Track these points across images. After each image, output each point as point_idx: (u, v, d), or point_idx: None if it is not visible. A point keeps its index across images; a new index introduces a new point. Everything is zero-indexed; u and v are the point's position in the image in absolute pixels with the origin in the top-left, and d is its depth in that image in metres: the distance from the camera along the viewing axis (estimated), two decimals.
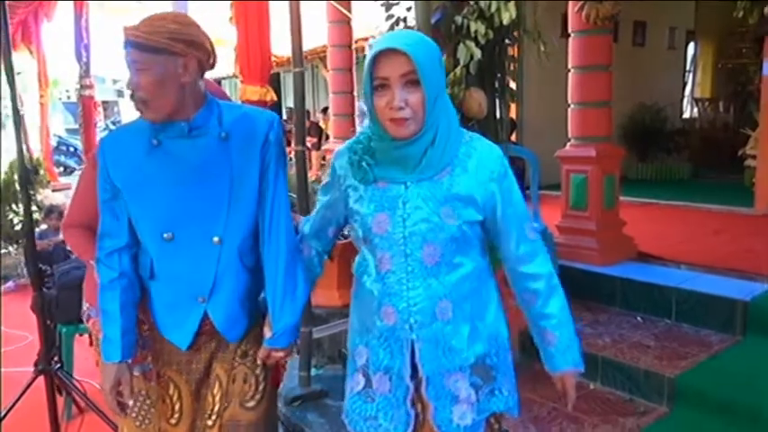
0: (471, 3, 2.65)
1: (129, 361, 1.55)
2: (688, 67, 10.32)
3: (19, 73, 10.78)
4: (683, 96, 10.18)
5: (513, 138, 6.98)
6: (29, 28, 8.46)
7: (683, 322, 3.19)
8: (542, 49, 2.85)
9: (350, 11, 5.91)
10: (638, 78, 8.28)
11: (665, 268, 3.59)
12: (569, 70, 3.95)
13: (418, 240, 1.36)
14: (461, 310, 1.40)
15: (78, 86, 6.20)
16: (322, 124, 11.19)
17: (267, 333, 1.54)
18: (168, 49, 1.38)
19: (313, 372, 3.13)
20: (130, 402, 1.58)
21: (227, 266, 1.51)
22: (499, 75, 2.96)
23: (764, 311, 2.94)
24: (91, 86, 6.09)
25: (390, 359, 1.42)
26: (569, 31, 3.84)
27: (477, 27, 2.61)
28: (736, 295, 3.04)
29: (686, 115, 10.25)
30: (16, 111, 2.46)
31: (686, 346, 2.94)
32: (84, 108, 6.19)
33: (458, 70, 2.68)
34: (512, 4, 2.48)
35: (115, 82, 16.55)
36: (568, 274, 3.56)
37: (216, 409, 1.58)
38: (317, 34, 6.75)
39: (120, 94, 17.59)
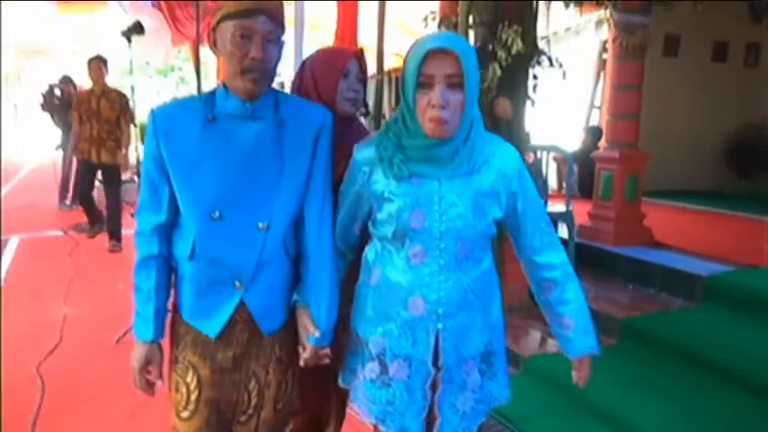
0: (499, 33, 3.72)
1: (160, 341, 1.54)
2: None
3: (204, 63, 13.12)
4: None
5: (602, 144, 7.68)
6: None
7: (663, 292, 4.00)
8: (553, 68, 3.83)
9: None
10: (749, 98, 8.52)
11: (663, 252, 4.38)
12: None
13: (453, 235, 1.42)
14: (480, 301, 1.50)
15: None
16: None
17: (315, 332, 1.50)
18: (284, 29, 1.44)
19: None
20: (159, 383, 1.56)
21: (272, 253, 1.48)
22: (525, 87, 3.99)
23: (718, 285, 3.71)
24: None
25: (412, 347, 1.47)
26: (608, 55, 4.68)
27: (501, 53, 3.68)
28: (701, 271, 3.83)
29: None
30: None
31: (650, 304, 3.79)
32: None
33: (485, 84, 3.76)
34: (518, 39, 3.51)
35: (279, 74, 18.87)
36: (586, 250, 4.52)
37: (253, 404, 1.56)
38: None
39: (282, 86, 19.94)
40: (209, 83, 13.67)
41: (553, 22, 8.87)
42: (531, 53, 3.72)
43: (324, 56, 1.82)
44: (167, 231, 1.52)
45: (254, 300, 1.50)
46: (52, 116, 8.35)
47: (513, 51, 3.57)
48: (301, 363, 1.54)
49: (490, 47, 3.74)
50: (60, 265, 5.44)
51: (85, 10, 10.42)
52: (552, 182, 7.98)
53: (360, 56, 1.78)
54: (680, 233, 4.96)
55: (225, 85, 1.45)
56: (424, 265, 1.44)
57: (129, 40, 7.71)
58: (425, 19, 4.21)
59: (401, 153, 1.41)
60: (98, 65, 5.99)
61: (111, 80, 7.47)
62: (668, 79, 7.57)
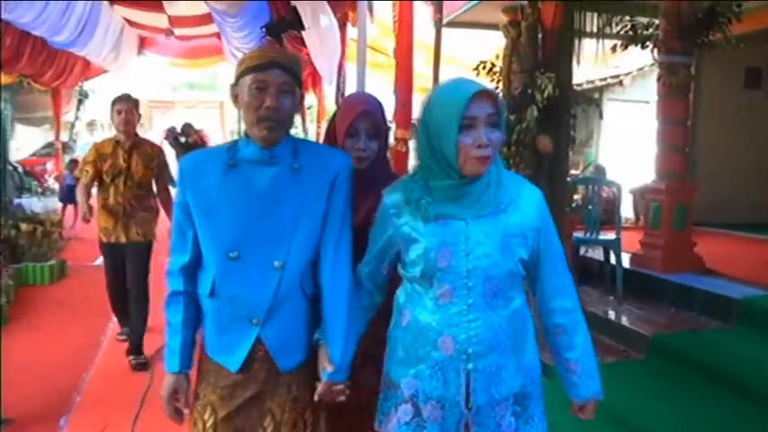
0: (537, 80, 4.19)
1: (188, 372, 1.62)
2: None
3: (309, 107, 14.45)
4: None
5: None
6: (314, 76, 11.67)
7: (702, 315, 4.19)
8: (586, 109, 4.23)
9: None
10: None
11: (706, 277, 4.56)
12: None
13: (481, 274, 1.44)
14: (512, 342, 1.50)
15: None
16: None
17: (328, 367, 1.56)
18: (300, 81, 1.57)
19: None
20: (186, 411, 1.64)
21: (288, 291, 1.56)
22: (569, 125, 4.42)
23: (753, 308, 3.89)
24: None
25: (444, 388, 1.48)
26: (656, 94, 4.98)
27: (538, 96, 4.16)
28: (737, 295, 4.02)
29: None
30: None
31: (684, 325, 4.02)
32: None
33: (525, 124, 4.23)
34: (550, 85, 3.97)
35: None
36: (635, 276, 4.79)
37: None
38: None
39: None
40: (313, 125, 14.93)
41: (639, 60, 9.08)
42: (566, 96, 4.15)
43: (340, 111, 1.88)
44: (193, 271, 1.63)
45: (270, 336, 1.57)
46: (177, 154, 9.58)
47: (546, 95, 4.03)
48: (315, 397, 1.61)
49: (529, 91, 4.22)
50: None
51: (205, 65, 11.89)
52: (630, 213, 8.19)
53: (367, 113, 1.78)
54: (739, 262, 5.09)
55: (246, 135, 1.59)
56: (452, 305, 1.46)
57: None
58: (477, 68, 4.75)
59: (428, 195, 1.47)
60: (128, 107, 4.04)
61: (231, 125, 8.35)
62: (751, 111, 7.56)
